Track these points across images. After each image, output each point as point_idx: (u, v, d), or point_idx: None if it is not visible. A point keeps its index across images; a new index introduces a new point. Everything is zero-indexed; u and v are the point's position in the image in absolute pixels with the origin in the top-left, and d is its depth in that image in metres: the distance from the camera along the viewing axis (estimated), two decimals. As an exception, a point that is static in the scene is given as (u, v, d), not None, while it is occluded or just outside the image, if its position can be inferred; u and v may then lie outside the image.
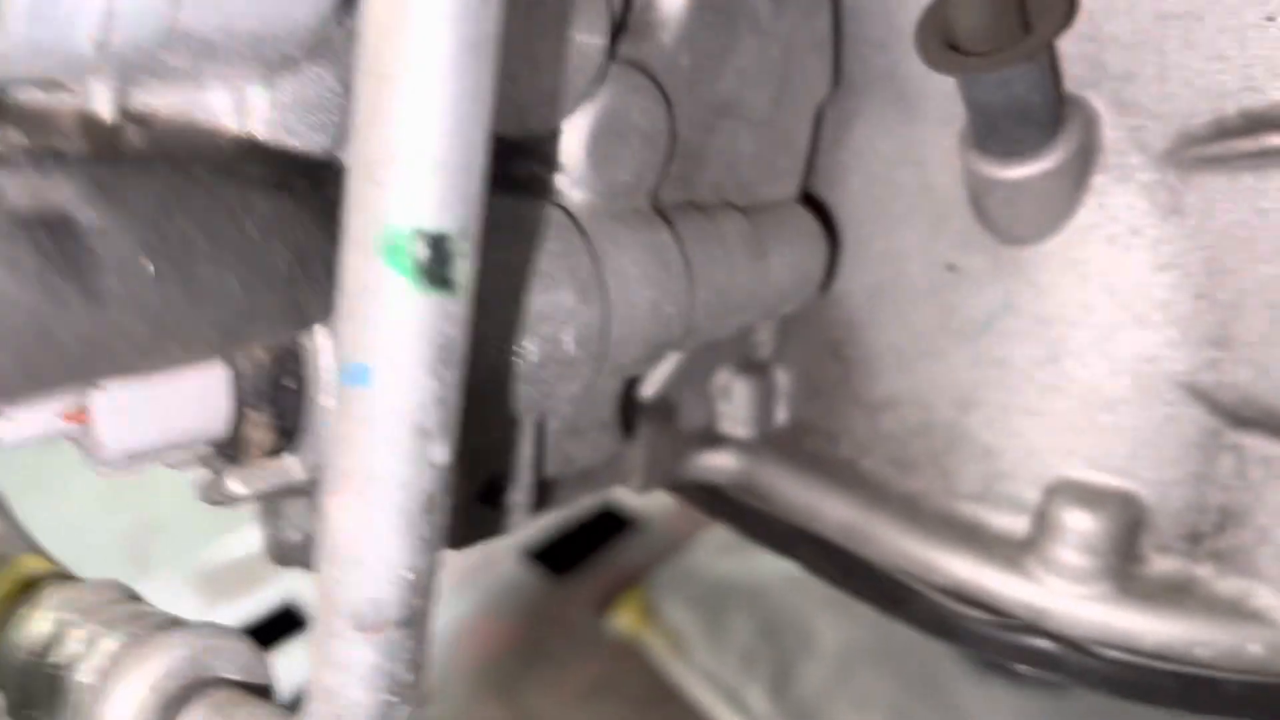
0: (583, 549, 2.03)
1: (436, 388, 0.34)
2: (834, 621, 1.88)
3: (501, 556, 1.96)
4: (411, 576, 0.35)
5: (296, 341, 0.41)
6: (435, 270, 0.33)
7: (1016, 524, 0.64)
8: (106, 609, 0.48)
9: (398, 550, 0.35)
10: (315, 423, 0.41)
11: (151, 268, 0.31)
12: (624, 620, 1.93)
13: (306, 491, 0.45)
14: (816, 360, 0.71)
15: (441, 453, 0.35)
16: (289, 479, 0.43)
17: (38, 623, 0.49)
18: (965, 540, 0.65)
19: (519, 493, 0.53)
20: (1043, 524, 0.62)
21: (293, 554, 0.56)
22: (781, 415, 0.73)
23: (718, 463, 0.72)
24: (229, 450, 0.42)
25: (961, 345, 0.65)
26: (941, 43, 0.55)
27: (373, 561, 0.35)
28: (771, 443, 0.72)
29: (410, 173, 0.32)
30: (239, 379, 0.40)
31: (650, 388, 0.66)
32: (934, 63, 0.55)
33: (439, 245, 0.32)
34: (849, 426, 0.70)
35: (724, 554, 1.98)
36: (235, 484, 0.42)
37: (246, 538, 1.56)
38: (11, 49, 0.31)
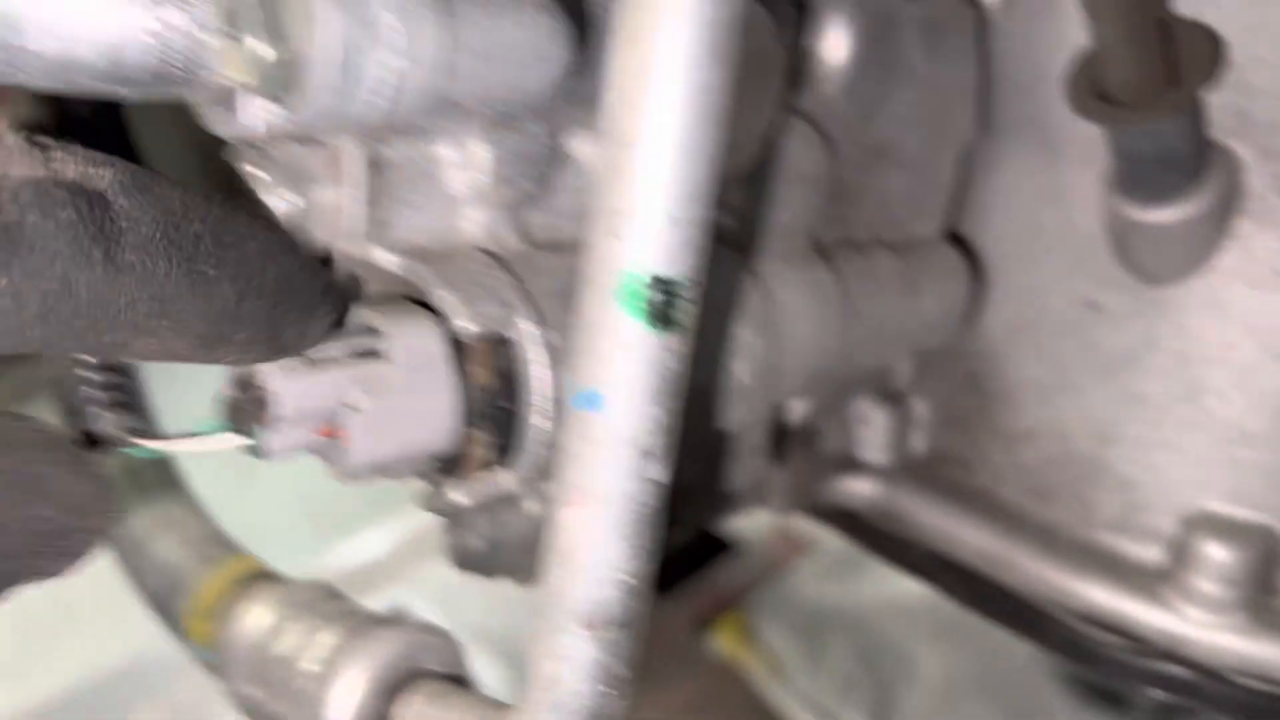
0: (683, 569, 2.06)
1: (659, 415, 0.38)
2: (936, 651, 1.87)
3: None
4: (632, 582, 0.40)
5: (516, 369, 0.45)
6: (664, 312, 0.37)
7: (1153, 554, 0.66)
8: (319, 605, 0.54)
9: (621, 557, 0.39)
10: (528, 441, 0.46)
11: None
12: (723, 641, 1.96)
13: (514, 501, 0.49)
14: (955, 391, 0.74)
15: (660, 472, 0.39)
16: (501, 490, 0.47)
17: (258, 616, 0.54)
18: (1103, 569, 0.67)
19: (693, 511, 0.57)
20: (1181, 555, 0.64)
21: (475, 561, 0.60)
22: (919, 444, 0.76)
23: (856, 488, 0.75)
24: (448, 465, 0.47)
25: (1102, 380, 0.67)
26: (1091, 92, 0.58)
27: (600, 566, 0.39)
28: (909, 470, 0.75)
29: (647, 227, 0.36)
30: (468, 401, 0.45)
31: (795, 414, 0.70)
32: (1085, 112, 0.58)
33: (669, 290, 0.37)
34: (987, 456, 0.73)
35: (824, 580, 2.00)
36: (457, 495, 0.47)
37: (343, 551, 1.62)
38: (312, 117, 0.36)
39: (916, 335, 0.64)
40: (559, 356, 0.46)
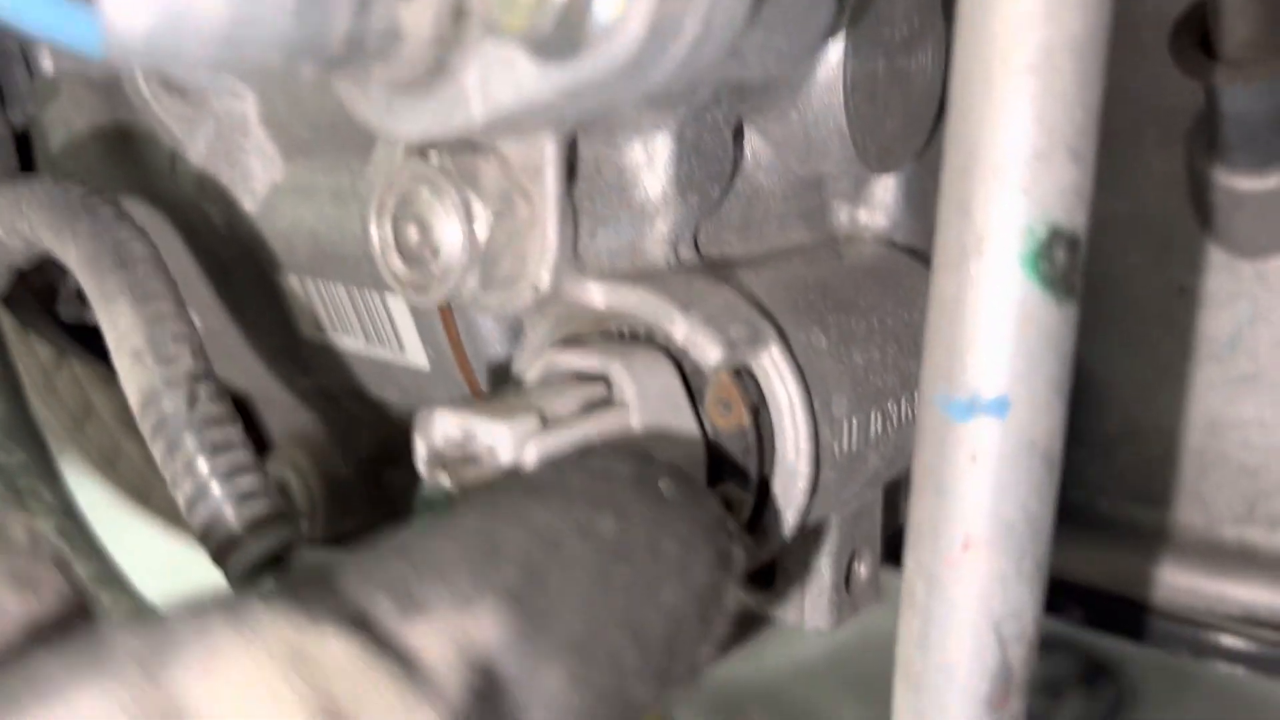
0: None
1: (1064, 411, 0.30)
2: (854, 709, 1.83)
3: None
4: (1033, 632, 0.31)
5: (769, 402, 0.36)
6: (1068, 276, 0.29)
7: (1292, 540, 0.62)
8: None
9: (1026, 604, 0.30)
10: (784, 491, 0.37)
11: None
12: (640, 737, 1.85)
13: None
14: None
15: (1059, 484, 0.31)
16: (754, 559, 0.38)
17: None
18: (1242, 566, 0.62)
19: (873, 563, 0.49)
20: (1326, 535, 0.61)
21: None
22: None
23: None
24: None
25: (1204, 366, 0.63)
26: (1197, 52, 0.55)
27: (1004, 624, 0.30)
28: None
29: (1047, 165, 0.28)
30: (716, 447, 0.35)
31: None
32: (1196, 72, 0.55)
33: (1073, 247, 0.29)
34: (1077, 468, 0.68)
35: (729, 658, 1.92)
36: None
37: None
38: (596, 82, 0.27)
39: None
40: (815, 383, 0.37)
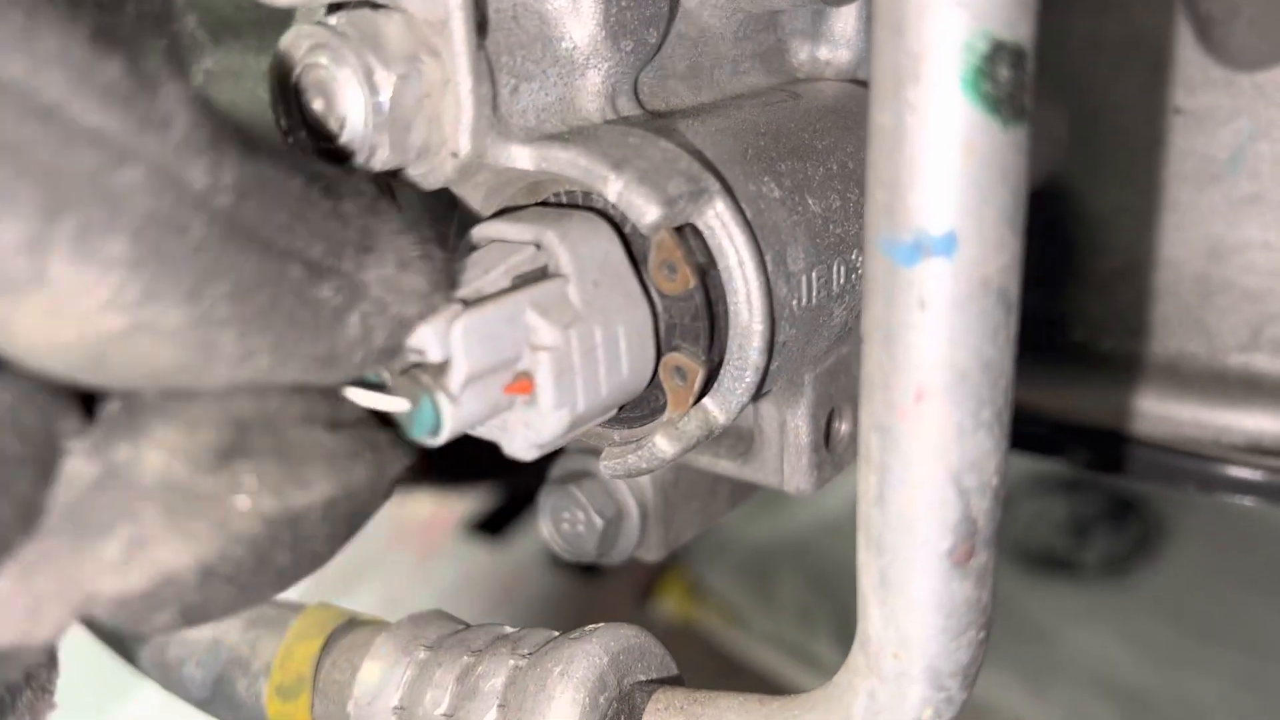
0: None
1: (1018, 246, 0.28)
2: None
3: (530, 567, 1.89)
4: (998, 482, 0.29)
5: (718, 261, 0.34)
6: (1017, 96, 0.27)
7: (1300, 365, 0.60)
8: (446, 640, 0.41)
9: (988, 452, 0.29)
10: (738, 354, 0.35)
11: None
12: (670, 603, 1.87)
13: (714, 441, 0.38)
14: (1028, 245, 0.66)
15: (1017, 326, 0.29)
16: (712, 427, 0.36)
17: (382, 671, 0.41)
18: (1247, 394, 0.60)
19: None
20: (1336, 357, 0.58)
21: (588, 543, 0.49)
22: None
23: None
24: (646, 405, 0.35)
25: (1205, 190, 0.60)
26: None
27: (967, 474, 0.28)
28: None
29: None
30: (665, 313, 0.33)
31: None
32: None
33: (1019, 63, 0.26)
34: (1078, 308, 0.65)
35: (757, 518, 1.94)
36: (664, 443, 0.35)
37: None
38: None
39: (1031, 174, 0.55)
40: (767, 237, 0.35)
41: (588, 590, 1.93)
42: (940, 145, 0.26)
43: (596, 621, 0.40)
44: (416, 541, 1.89)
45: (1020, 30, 0.26)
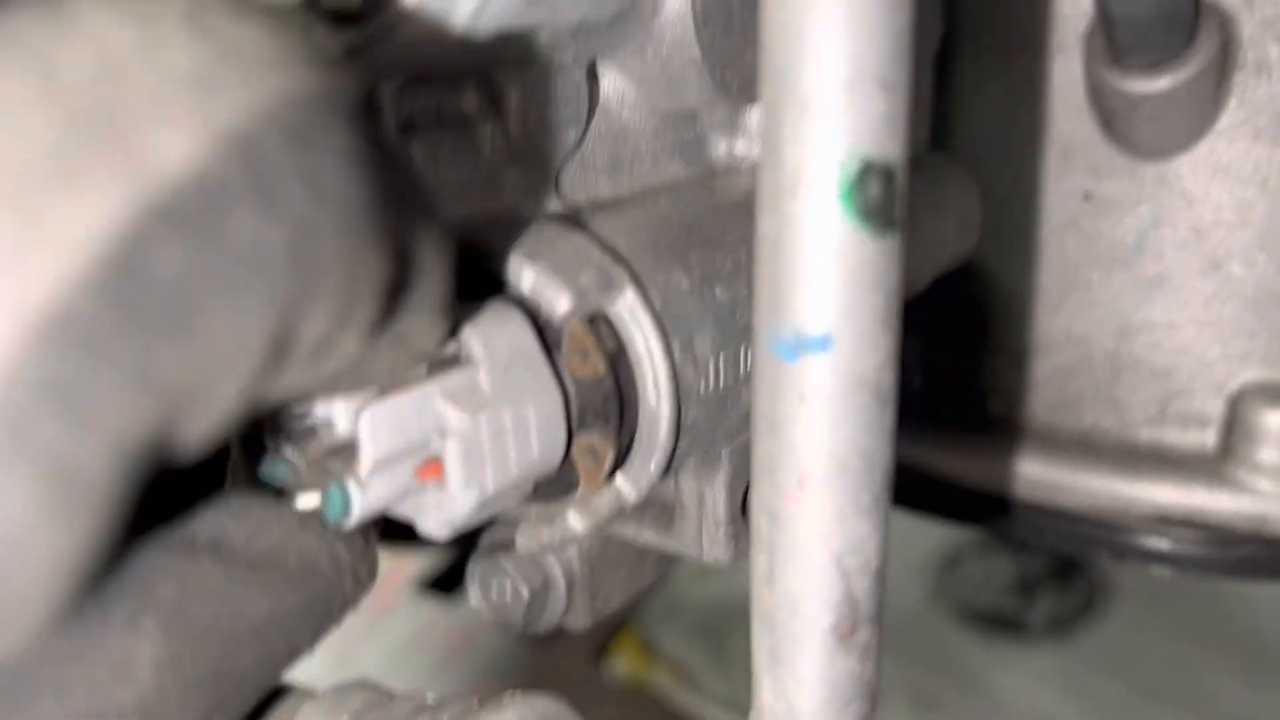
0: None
1: (891, 345, 0.30)
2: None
3: (482, 626, 1.89)
4: (879, 564, 0.31)
5: (627, 349, 0.36)
6: (886, 209, 0.29)
7: (1204, 439, 0.63)
8: (377, 716, 0.42)
9: (866, 536, 0.31)
10: (657, 435, 0.37)
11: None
12: (624, 663, 1.88)
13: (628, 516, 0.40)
14: (948, 318, 0.68)
15: (894, 419, 0.31)
16: (625, 505, 0.38)
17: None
18: (1155, 466, 0.63)
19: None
20: (1236, 432, 0.61)
21: (515, 612, 0.50)
22: (914, 383, 0.70)
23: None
24: (557, 485, 0.37)
25: (1113, 272, 0.63)
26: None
27: (846, 556, 0.30)
28: (911, 413, 0.70)
29: (855, 98, 0.28)
30: (577, 397, 0.35)
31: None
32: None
33: (889, 179, 0.29)
34: (995, 380, 0.68)
35: (709, 578, 1.95)
36: (577, 519, 0.37)
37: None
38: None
39: (940, 258, 0.58)
40: (675, 325, 0.37)
41: (540, 650, 1.92)
42: (816, 254, 0.29)
43: (548, 682, 0.41)
44: (369, 599, 1.88)
45: (889, 149, 0.29)
